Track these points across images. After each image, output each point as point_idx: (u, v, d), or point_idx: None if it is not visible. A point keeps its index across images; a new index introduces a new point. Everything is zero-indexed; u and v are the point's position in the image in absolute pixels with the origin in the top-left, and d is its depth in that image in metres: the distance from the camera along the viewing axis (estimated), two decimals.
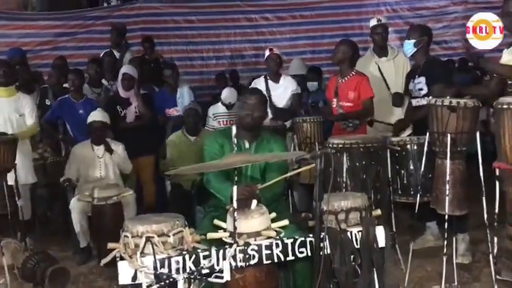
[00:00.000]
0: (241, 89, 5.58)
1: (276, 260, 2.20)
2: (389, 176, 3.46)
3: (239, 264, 2.13)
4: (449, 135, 2.89)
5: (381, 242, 2.29)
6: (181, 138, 4.60)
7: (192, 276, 2.07)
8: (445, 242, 2.99)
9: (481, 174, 2.98)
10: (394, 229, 3.53)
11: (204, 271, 2.09)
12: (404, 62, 4.48)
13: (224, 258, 2.11)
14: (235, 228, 2.15)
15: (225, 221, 2.32)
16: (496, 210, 2.91)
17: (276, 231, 2.28)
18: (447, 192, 2.93)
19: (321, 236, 2.15)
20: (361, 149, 3.28)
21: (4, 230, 3.78)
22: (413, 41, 3.78)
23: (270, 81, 4.80)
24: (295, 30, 8.15)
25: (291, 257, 2.21)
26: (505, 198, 2.89)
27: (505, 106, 2.76)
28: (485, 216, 2.99)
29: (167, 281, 2.04)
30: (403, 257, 3.41)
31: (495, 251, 2.95)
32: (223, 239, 2.24)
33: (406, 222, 3.90)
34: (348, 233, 2.25)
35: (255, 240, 2.20)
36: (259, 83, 4.83)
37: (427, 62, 3.82)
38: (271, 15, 8.21)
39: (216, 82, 7.13)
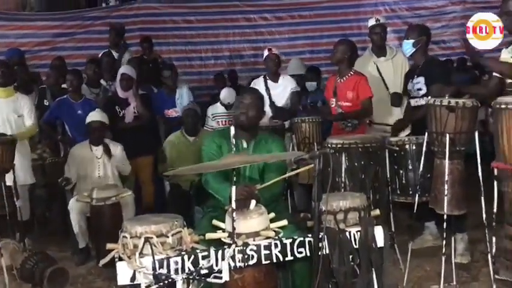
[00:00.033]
0: (239, 89, 5.59)
1: (274, 260, 2.20)
2: (388, 176, 3.46)
3: (238, 264, 2.14)
4: (447, 135, 2.89)
5: (380, 242, 2.30)
6: (180, 139, 4.60)
7: (190, 277, 2.07)
8: (444, 242, 2.99)
9: (480, 174, 2.98)
10: (393, 229, 3.53)
11: (203, 271, 2.09)
12: (402, 62, 4.49)
13: (223, 259, 2.11)
14: (234, 228, 2.15)
15: (223, 222, 2.32)
16: (495, 210, 2.91)
17: (274, 231, 2.28)
18: (446, 192, 2.93)
19: (320, 236, 2.16)
20: (360, 149, 3.28)
21: (3, 230, 3.77)
22: (412, 41, 3.79)
23: (269, 81, 4.81)
24: (293, 30, 8.15)
25: (289, 257, 2.21)
26: (503, 198, 2.89)
27: (503, 106, 2.76)
28: (484, 216, 2.99)
29: (166, 282, 2.04)
30: (402, 256, 3.41)
31: (494, 250, 2.95)
32: (222, 239, 2.24)
33: (405, 222, 3.91)
34: (347, 233, 2.25)
35: (254, 240, 2.21)
36: (259, 83, 4.84)
37: (426, 62, 3.83)
38: (269, 15, 8.21)
39: (215, 82, 7.13)
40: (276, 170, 2.74)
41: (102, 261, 2.20)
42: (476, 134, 2.99)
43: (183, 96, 5.02)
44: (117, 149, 4.36)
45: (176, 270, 2.06)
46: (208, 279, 2.11)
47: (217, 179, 2.72)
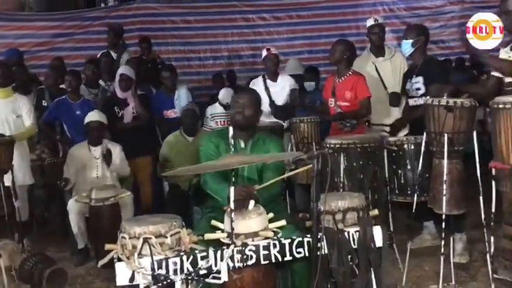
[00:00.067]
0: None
1: (273, 261, 2.20)
2: (387, 175, 3.46)
3: (237, 264, 2.14)
4: (446, 135, 2.90)
5: (378, 241, 2.30)
6: (178, 139, 4.60)
7: (189, 277, 2.07)
8: (443, 242, 3.00)
9: (478, 173, 2.99)
10: (391, 229, 3.54)
11: (202, 272, 2.09)
12: (401, 61, 4.49)
13: (222, 259, 2.11)
14: (232, 228, 2.15)
15: (222, 222, 2.32)
16: (493, 210, 2.91)
17: (273, 231, 2.28)
18: (444, 191, 2.94)
19: (319, 236, 2.16)
20: (359, 149, 3.29)
21: (1, 231, 3.78)
22: (410, 40, 3.79)
23: (268, 80, 4.82)
24: (292, 30, 8.15)
25: (288, 257, 2.21)
26: (501, 197, 2.90)
27: (501, 106, 2.76)
28: (483, 215, 2.99)
29: (165, 282, 2.04)
30: (401, 256, 3.41)
31: (492, 250, 2.95)
32: (221, 239, 2.24)
33: (404, 222, 3.91)
34: (346, 233, 2.25)
35: (253, 240, 2.20)
36: (258, 83, 4.85)
37: (424, 62, 3.83)
38: (268, 15, 8.21)
39: (213, 82, 7.12)
40: (274, 170, 2.75)
41: (101, 262, 2.20)
42: (475, 133, 2.99)
43: (182, 97, 5.02)
44: (116, 150, 4.36)
45: (175, 271, 2.06)
46: (207, 280, 2.11)
47: (215, 179, 2.72)
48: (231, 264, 2.12)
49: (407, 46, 3.83)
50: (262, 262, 2.17)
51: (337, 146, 3.32)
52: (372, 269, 2.26)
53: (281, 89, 4.81)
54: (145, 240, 2.06)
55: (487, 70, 6.13)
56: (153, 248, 2.05)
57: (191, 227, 2.47)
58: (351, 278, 2.22)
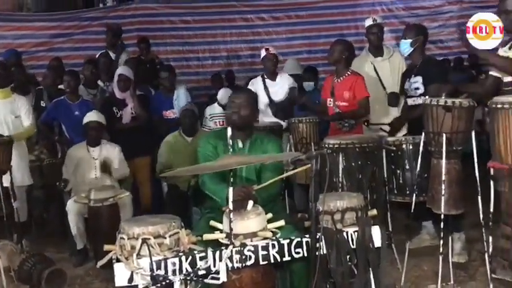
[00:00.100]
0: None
1: (272, 261, 2.20)
2: (385, 175, 3.46)
3: (235, 265, 2.14)
4: (444, 135, 2.90)
5: (377, 241, 2.30)
6: (177, 139, 4.60)
7: (188, 278, 2.07)
8: (441, 241, 3.00)
9: (477, 173, 2.99)
10: (390, 229, 3.54)
11: (201, 272, 2.09)
12: (399, 61, 4.50)
13: (220, 259, 2.11)
14: (231, 229, 2.15)
15: (221, 222, 2.32)
16: (491, 210, 2.92)
17: (272, 231, 2.28)
18: (443, 191, 2.94)
19: (317, 237, 2.16)
20: (357, 149, 3.29)
21: (0, 232, 3.77)
22: (409, 40, 3.79)
23: (267, 80, 4.82)
24: (291, 30, 8.15)
25: (287, 258, 2.21)
26: (500, 197, 2.90)
27: (499, 106, 2.77)
28: (481, 215, 3.00)
29: (163, 283, 2.04)
30: (400, 256, 3.41)
31: (490, 250, 2.96)
32: (220, 240, 2.24)
33: (402, 222, 3.91)
34: (344, 233, 2.25)
35: (251, 241, 2.20)
36: (257, 83, 4.86)
37: (423, 62, 3.83)
38: (267, 16, 8.21)
39: (212, 83, 7.12)
40: (273, 171, 2.75)
41: (100, 263, 2.20)
42: (473, 133, 2.99)
43: (181, 97, 5.01)
44: (114, 150, 4.36)
45: (174, 271, 2.06)
46: (205, 280, 2.11)
47: (213, 180, 2.72)
48: (229, 265, 2.12)
49: (406, 46, 3.83)
50: (261, 262, 2.18)
51: (335, 146, 3.32)
52: (370, 269, 2.26)
53: (280, 88, 4.82)
54: (144, 240, 2.06)
55: (486, 70, 6.14)
56: (151, 249, 2.05)
57: (190, 227, 2.47)
58: (349, 278, 2.22)
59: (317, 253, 2.15)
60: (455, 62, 7.47)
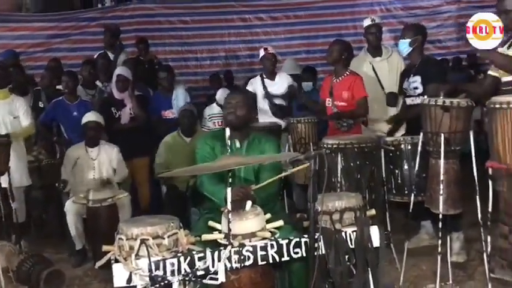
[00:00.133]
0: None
1: (271, 261, 2.20)
2: (384, 175, 3.47)
3: (234, 265, 2.14)
4: (442, 135, 2.90)
5: (376, 241, 2.30)
6: (176, 140, 4.59)
7: (187, 278, 2.07)
8: (440, 241, 3.00)
9: (475, 173, 3.00)
10: (388, 228, 3.55)
11: (199, 273, 2.09)
12: (398, 61, 4.50)
13: (219, 260, 2.11)
14: (229, 229, 2.15)
15: (220, 223, 2.32)
16: (490, 209, 2.92)
17: (270, 232, 2.28)
18: (441, 191, 2.94)
19: (316, 237, 2.16)
20: (356, 149, 3.29)
21: None
22: (408, 40, 3.79)
23: (266, 79, 4.82)
24: (289, 30, 8.16)
25: (286, 258, 2.22)
26: (498, 197, 2.90)
27: (497, 106, 2.77)
28: (479, 215, 3.00)
29: (162, 283, 2.03)
30: (398, 256, 3.42)
31: (489, 249, 2.96)
32: (218, 240, 2.23)
33: (401, 222, 3.91)
34: (343, 233, 2.25)
35: (250, 241, 2.20)
36: (255, 82, 4.86)
37: (422, 61, 3.83)
38: (265, 16, 8.21)
39: (210, 83, 7.12)
40: (271, 170, 2.75)
41: (99, 263, 2.20)
42: (471, 133, 3.00)
43: (179, 97, 5.01)
44: (113, 151, 4.35)
45: (172, 272, 2.06)
46: (204, 281, 2.11)
47: (212, 181, 2.72)
48: (228, 265, 2.12)
49: (404, 45, 3.83)
50: (260, 263, 2.18)
51: (334, 146, 3.32)
52: (369, 268, 2.26)
53: (279, 87, 4.82)
54: (143, 241, 2.06)
55: (484, 70, 6.15)
56: (150, 249, 2.05)
57: (189, 228, 2.46)
58: (348, 278, 2.22)
59: (316, 253, 2.15)
60: (453, 62, 7.49)
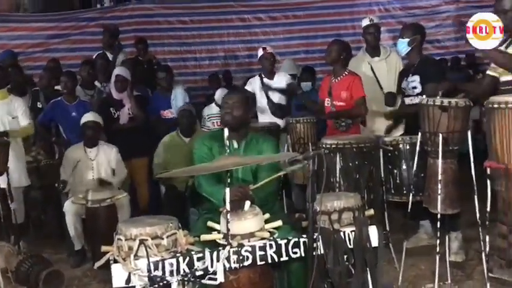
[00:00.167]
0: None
1: (269, 261, 2.20)
2: (382, 175, 3.48)
3: (233, 265, 2.14)
4: (440, 134, 2.90)
5: (374, 241, 2.31)
6: (175, 140, 4.59)
7: (185, 279, 2.08)
8: (438, 241, 3.01)
9: (473, 173, 3.00)
10: (387, 228, 3.55)
11: (198, 273, 2.09)
12: (396, 61, 4.51)
13: (218, 260, 2.11)
14: (228, 229, 2.15)
15: (219, 223, 2.33)
16: (488, 209, 2.92)
17: (269, 232, 2.28)
18: (439, 191, 2.95)
19: (314, 237, 2.16)
20: (354, 149, 3.30)
21: None
22: (407, 39, 3.79)
23: (265, 79, 4.82)
24: (288, 30, 8.17)
25: (284, 258, 2.22)
26: (496, 196, 2.91)
27: (495, 105, 2.78)
28: (478, 214, 3.00)
29: (161, 284, 2.04)
30: (397, 255, 3.42)
31: (487, 249, 2.97)
32: (217, 240, 2.24)
33: (399, 221, 3.92)
34: (341, 233, 2.26)
35: (249, 241, 2.21)
36: (254, 82, 4.86)
37: (421, 61, 3.84)
38: (264, 16, 8.22)
39: (209, 83, 7.13)
40: (269, 170, 2.74)
41: (98, 264, 2.20)
42: (469, 133, 3.00)
43: (178, 97, 5.01)
44: (112, 152, 4.35)
45: (171, 272, 2.06)
46: (203, 281, 2.11)
47: (209, 181, 2.73)
48: (227, 265, 2.13)
49: (403, 45, 3.83)
50: (259, 263, 2.18)
51: (333, 146, 3.33)
52: (367, 268, 2.26)
53: (278, 86, 4.82)
54: (142, 241, 2.06)
55: (483, 69, 6.15)
56: (149, 250, 2.05)
57: (188, 228, 2.47)
58: (347, 278, 2.23)
59: (314, 253, 2.15)
60: (452, 62, 7.50)
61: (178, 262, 2.07)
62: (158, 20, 8.04)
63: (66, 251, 4.19)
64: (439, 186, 2.94)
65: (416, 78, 3.81)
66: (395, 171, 3.48)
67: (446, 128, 2.91)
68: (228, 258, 2.13)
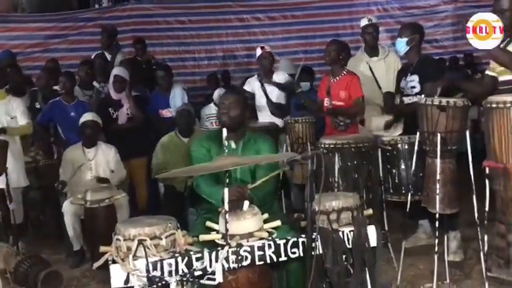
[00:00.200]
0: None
1: (268, 261, 2.20)
2: (381, 175, 3.48)
3: (232, 265, 2.14)
4: (439, 134, 2.91)
5: (373, 241, 2.31)
6: (173, 140, 4.58)
7: (184, 279, 2.07)
8: (437, 240, 3.01)
9: (471, 172, 3.01)
10: (386, 228, 3.55)
11: (197, 273, 2.09)
12: (395, 61, 4.51)
13: (216, 260, 2.11)
14: (227, 229, 2.15)
15: (217, 223, 2.33)
16: (487, 208, 2.93)
17: (268, 232, 2.28)
18: (438, 191, 2.95)
19: (313, 236, 2.16)
20: (353, 149, 3.30)
21: None
22: (405, 39, 3.79)
23: (263, 79, 4.82)
24: (286, 30, 8.17)
25: (283, 258, 2.22)
26: (495, 196, 2.92)
27: (494, 105, 2.78)
28: (476, 214, 3.01)
29: (160, 284, 2.04)
30: (396, 255, 3.42)
31: (486, 248, 2.97)
32: (216, 240, 2.24)
33: (398, 221, 3.92)
34: (340, 233, 2.26)
35: (248, 241, 2.21)
36: (253, 82, 4.86)
37: (420, 60, 3.83)
38: (262, 16, 8.22)
39: (208, 83, 7.13)
40: (267, 170, 2.74)
41: (96, 264, 2.20)
42: (468, 133, 3.01)
43: (176, 96, 5.01)
44: (110, 152, 4.35)
45: (170, 272, 2.06)
46: (202, 281, 2.11)
47: (208, 182, 2.73)
48: (226, 265, 2.13)
49: (402, 44, 3.82)
50: (257, 263, 2.18)
51: (331, 146, 3.33)
52: (366, 268, 2.26)
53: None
54: (140, 242, 2.06)
55: (481, 69, 6.15)
56: (147, 250, 2.05)
57: (186, 228, 2.47)
58: (345, 278, 2.23)
59: (313, 253, 2.15)
60: (450, 62, 7.51)
61: (177, 262, 2.07)
62: (157, 20, 8.04)
63: (64, 252, 4.19)
64: (438, 185, 2.95)
65: (415, 77, 3.81)
66: (394, 170, 3.49)
67: (444, 128, 2.91)
68: (226, 258, 2.13)
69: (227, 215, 2.16)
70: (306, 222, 2.22)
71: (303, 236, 2.23)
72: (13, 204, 3.92)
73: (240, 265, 2.15)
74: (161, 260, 2.06)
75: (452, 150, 2.99)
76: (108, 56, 5.77)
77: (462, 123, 2.96)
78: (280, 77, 4.85)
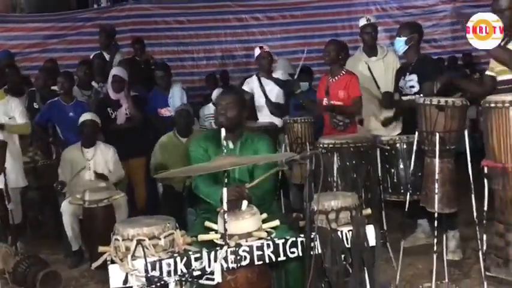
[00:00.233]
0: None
1: (267, 261, 2.20)
2: (380, 175, 3.48)
3: (230, 265, 2.14)
4: (437, 134, 2.91)
5: (372, 240, 2.31)
6: (172, 140, 4.58)
7: (183, 279, 2.07)
8: (436, 240, 3.01)
9: (470, 172, 3.01)
10: (385, 227, 3.55)
11: (196, 273, 2.09)
12: (393, 61, 4.51)
13: (215, 260, 2.11)
14: (225, 229, 2.15)
15: (216, 223, 2.32)
16: (485, 208, 2.93)
17: (267, 231, 2.28)
18: (436, 190, 2.95)
19: (312, 236, 2.16)
20: (352, 149, 3.30)
21: None
22: (404, 38, 3.79)
23: (262, 78, 4.82)
24: (285, 30, 8.17)
25: (282, 258, 2.22)
26: (493, 195, 2.92)
27: (492, 105, 2.79)
28: (475, 213, 3.01)
29: (158, 284, 2.03)
30: (394, 255, 3.42)
31: (484, 247, 2.98)
32: (215, 240, 2.24)
33: (397, 221, 3.92)
34: (339, 233, 2.26)
35: (246, 241, 2.20)
36: (252, 82, 4.86)
37: (418, 60, 3.84)
38: (261, 15, 8.22)
39: (207, 83, 7.12)
40: (265, 169, 2.74)
41: (95, 264, 2.19)
42: (466, 132, 3.01)
43: (175, 95, 5.01)
44: (109, 152, 4.34)
45: (169, 272, 2.06)
46: (200, 281, 2.11)
47: (206, 182, 2.73)
48: (224, 265, 2.12)
49: (400, 44, 3.83)
50: (256, 262, 2.18)
51: (330, 145, 3.33)
52: (365, 268, 2.26)
53: (275, 85, 4.82)
54: (139, 242, 2.05)
55: (480, 69, 6.15)
56: (146, 250, 2.04)
57: (185, 228, 2.46)
58: (344, 277, 2.23)
59: (312, 252, 2.15)
60: (449, 61, 7.52)
61: (175, 262, 2.07)
62: (155, 20, 8.02)
63: (63, 252, 4.18)
64: (436, 185, 2.95)
65: (414, 77, 3.81)
66: (392, 170, 3.49)
67: (443, 128, 2.91)
68: (225, 258, 2.12)
69: (226, 214, 2.16)
70: (305, 222, 2.22)
71: (302, 235, 2.23)
72: (11, 205, 3.92)
73: (238, 265, 2.15)
74: (160, 260, 2.05)
75: (451, 150, 2.99)
76: (107, 56, 5.77)
77: (461, 122, 2.96)
78: (278, 77, 4.86)
